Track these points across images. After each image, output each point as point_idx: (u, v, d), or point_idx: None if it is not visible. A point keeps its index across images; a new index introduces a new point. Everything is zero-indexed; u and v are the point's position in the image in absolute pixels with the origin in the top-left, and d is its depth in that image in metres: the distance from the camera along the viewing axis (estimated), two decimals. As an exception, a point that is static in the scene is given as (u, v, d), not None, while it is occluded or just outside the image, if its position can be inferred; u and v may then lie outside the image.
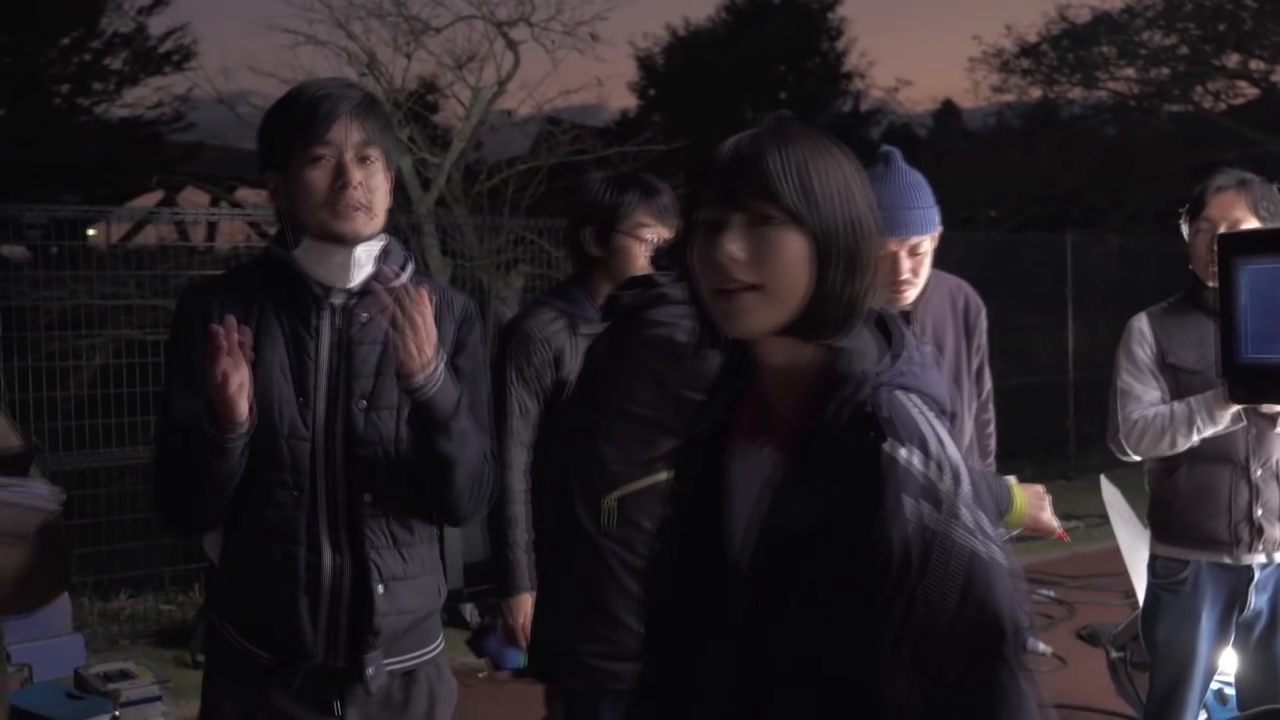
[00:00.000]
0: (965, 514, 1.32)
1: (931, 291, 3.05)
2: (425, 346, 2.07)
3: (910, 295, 2.93)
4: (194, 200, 18.90)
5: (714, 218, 1.42)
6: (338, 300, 2.19)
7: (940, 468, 1.32)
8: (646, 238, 3.06)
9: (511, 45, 9.71)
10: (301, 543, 2.14)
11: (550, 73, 15.08)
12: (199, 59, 19.03)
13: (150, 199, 19.06)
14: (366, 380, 2.17)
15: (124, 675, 4.36)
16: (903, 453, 1.32)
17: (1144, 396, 3.28)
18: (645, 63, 25.64)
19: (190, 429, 2.07)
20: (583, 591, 2.50)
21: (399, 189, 9.18)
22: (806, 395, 1.42)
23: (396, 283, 2.14)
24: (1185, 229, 3.35)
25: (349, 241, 2.16)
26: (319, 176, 2.13)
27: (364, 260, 2.19)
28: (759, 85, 25.00)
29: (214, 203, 17.60)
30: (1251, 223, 3.18)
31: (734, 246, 1.39)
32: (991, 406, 3.23)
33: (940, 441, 1.34)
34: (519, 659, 5.68)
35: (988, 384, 3.21)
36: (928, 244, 2.92)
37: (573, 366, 3.06)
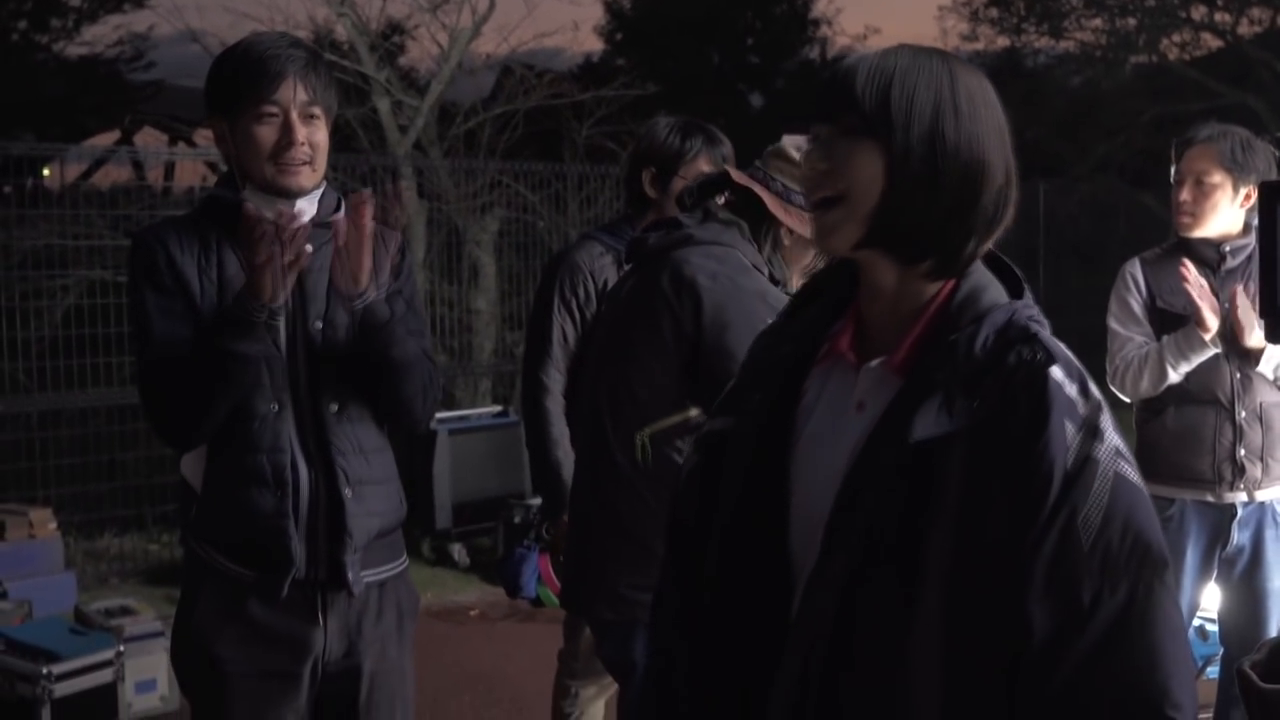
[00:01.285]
0: (1113, 439, 1.32)
1: None
2: (362, 269, 2.26)
3: None
4: (150, 141, 18.66)
5: (814, 132, 1.43)
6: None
7: (1089, 399, 1.33)
8: None
9: (487, -13, 9.65)
10: (285, 449, 2.29)
11: (526, 16, 14.91)
12: (166, -3, 18.68)
13: (106, 139, 18.82)
14: (320, 303, 2.34)
15: (125, 611, 4.40)
16: (1064, 378, 1.32)
17: (1129, 340, 3.39)
18: (612, 6, 25.43)
19: (216, 321, 2.25)
20: (617, 524, 2.55)
21: (376, 130, 9.15)
22: (929, 324, 1.39)
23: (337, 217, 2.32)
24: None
25: (293, 194, 2.31)
26: (266, 133, 2.28)
27: (306, 207, 2.34)
28: (726, 31, 24.88)
29: (172, 143, 17.39)
30: (1216, 175, 3.29)
31: (816, 156, 1.40)
32: None
33: (1084, 374, 1.35)
34: (535, 589, 5.77)
35: None
36: None
37: None
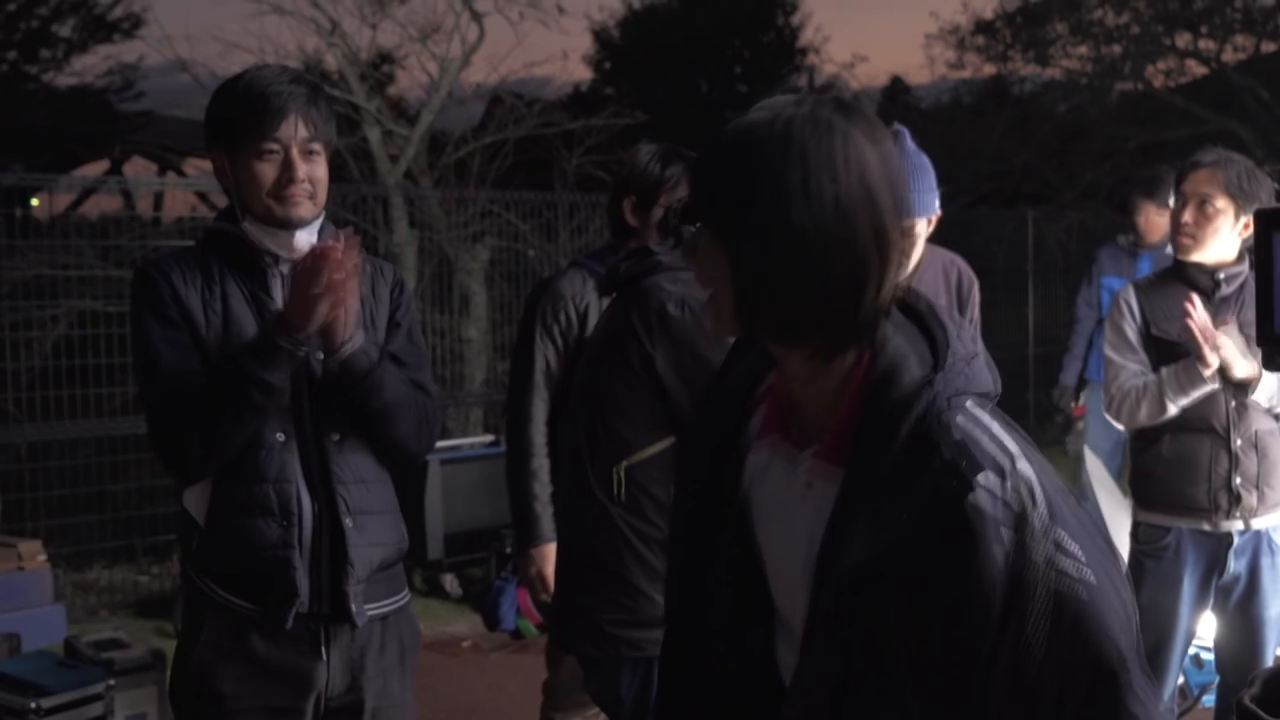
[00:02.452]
0: (1044, 541, 1.27)
1: (925, 265, 3.14)
2: (345, 311, 2.26)
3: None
4: (140, 170, 18.64)
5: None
6: (285, 268, 2.35)
7: (1017, 490, 1.27)
8: None
9: (476, 17, 9.69)
10: (291, 479, 2.31)
11: (516, 45, 14.98)
12: (157, 26, 18.77)
13: (96, 168, 18.79)
14: (318, 334, 2.33)
15: (115, 644, 4.36)
16: (984, 493, 1.26)
17: (1124, 369, 3.39)
18: (600, 35, 25.56)
19: (236, 357, 2.26)
20: (598, 559, 2.55)
21: (366, 160, 9.16)
22: (853, 404, 1.35)
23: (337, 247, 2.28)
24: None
25: (292, 225, 2.34)
26: (267, 170, 2.31)
27: (305, 237, 2.36)
28: (714, 60, 25.00)
29: (161, 172, 17.38)
30: (1220, 200, 3.30)
31: (689, 259, 1.42)
32: None
33: (1010, 455, 1.29)
34: (515, 621, 5.75)
35: None
36: (922, 226, 3.01)
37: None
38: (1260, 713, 1.57)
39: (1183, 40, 15.81)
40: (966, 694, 1.29)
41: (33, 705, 3.96)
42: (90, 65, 19.76)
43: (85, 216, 10.73)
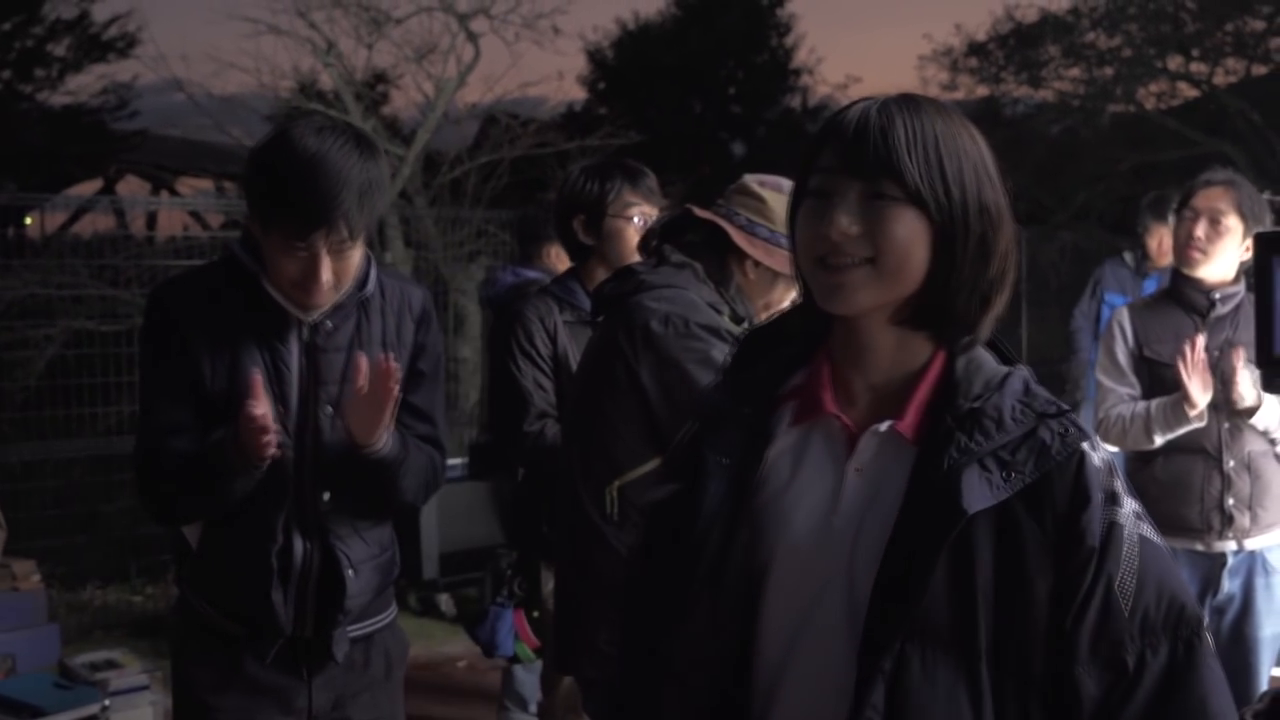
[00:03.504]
0: (1130, 502, 1.33)
1: None
2: (382, 423, 2.19)
3: None
4: (134, 189, 18.67)
5: (829, 186, 1.34)
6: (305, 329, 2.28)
7: (1107, 462, 1.34)
8: (635, 218, 3.13)
9: (472, 37, 9.73)
10: (277, 539, 2.26)
11: (511, 65, 15.06)
12: (152, 45, 18.82)
13: (90, 187, 18.81)
14: (333, 386, 2.28)
15: (110, 665, 4.36)
16: (1091, 449, 1.32)
17: (1113, 392, 3.42)
18: (595, 56, 25.64)
19: (211, 449, 2.17)
20: (594, 580, 2.54)
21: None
22: (933, 389, 1.36)
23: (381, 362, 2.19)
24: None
25: (309, 311, 2.25)
26: (291, 266, 2.16)
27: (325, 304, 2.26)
28: (708, 80, 25.09)
29: (155, 191, 17.39)
30: (1232, 218, 3.33)
31: (846, 219, 1.31)
32: None
33: (1094, 436, 1.36)
34: (512, 646, 5.72)
35: None
36: None
37: (567, 347, 3.16)
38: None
39: (1174, 63, 15.89)
40: (1043, 655, 1.30)
41: (28, 726, 3.96)
42: (85, 84, 19.76)
43: (79, 235, 10.73)
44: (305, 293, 2.19)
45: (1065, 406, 1.35)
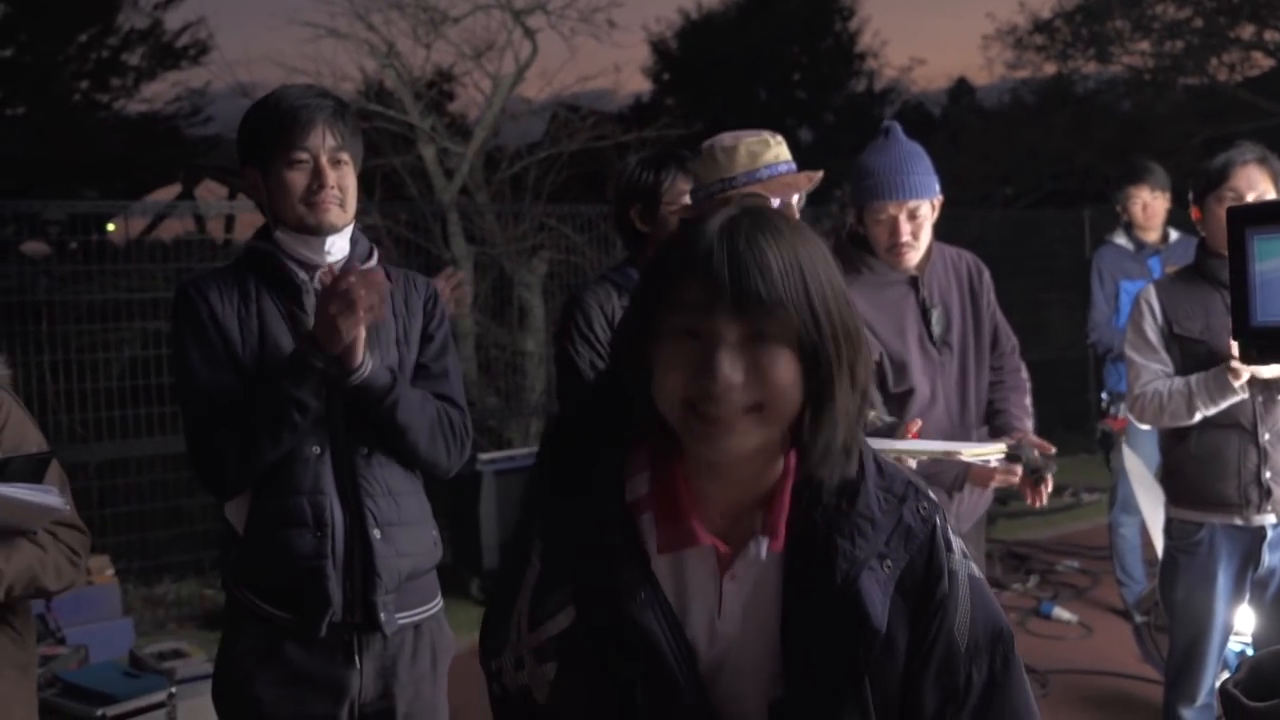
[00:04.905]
0: (957, 541, 1.44)
1: (935, 260, 3.22)
2: (358, 334, 2.32)
3: (912, 258, 3.12)
4: (211, 194, 19.03)
5: (700, 327, 1.24)
6: (318, 284, 2.43)
7: (941, 512, 1.44)
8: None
9: (529, 33, 9.82)
10: (326, 491, 2.38)
11: (568, 60, 15.08)
12: (218, 52, 19.16)
13: (168, 193, 19.23)
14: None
15: (177, 654, 4.50)
16: (940, 518, 1.43)
17: (1146, 369, 3.40)
18: (658, 46, 25.67)
19: (271, 375, 2.33)
20: None
21: (423, 177, 9.31)
22: (788, 494, 1.35)
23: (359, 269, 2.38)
24: (1196, 202, 3.44)
25: (324, 231, 2.43)
26: (297, 178, 2.41)
27: (337, 244, 2.46)
28: (772, 67, 25.00)
29: (231, 195, 17.72)
30: (1273, 194, 3.30)
31: (729, 367, 1.23)
32: (1018, 356, 3.39)
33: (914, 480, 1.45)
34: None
35: (1008, 339, 3.37)
36: (926, 209, 3.10)
37: None
38: (1240, 697, 1.59)
39: (1247, 32, 15.57)
40: (899, 691, 1.41)
41: (99, 713, 4.10)
42: (159, 92, 20.24)
43: (160, 240, 11.01)
44: (316, 205, 2.41)
45: (914, 479, 1.43)
